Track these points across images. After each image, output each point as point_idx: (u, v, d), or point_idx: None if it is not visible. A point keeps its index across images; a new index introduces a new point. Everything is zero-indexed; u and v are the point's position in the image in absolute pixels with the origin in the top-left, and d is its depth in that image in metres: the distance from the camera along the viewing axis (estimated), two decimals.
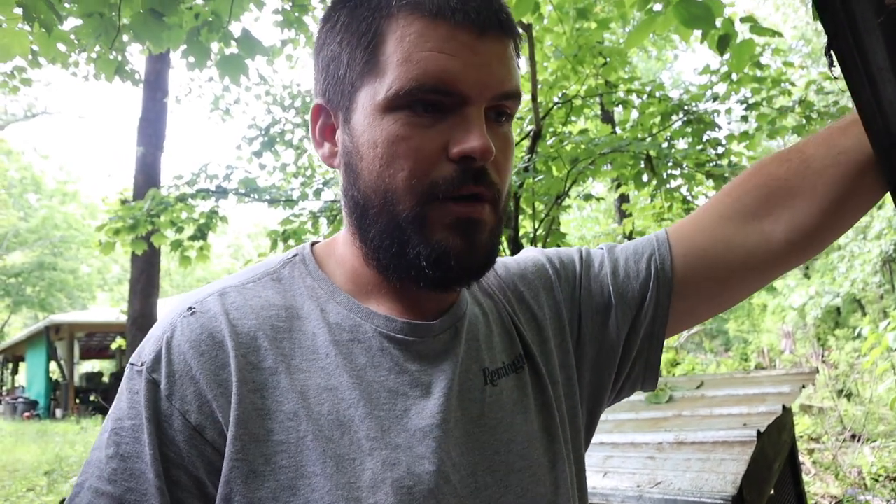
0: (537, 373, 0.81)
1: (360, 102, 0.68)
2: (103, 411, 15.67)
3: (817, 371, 3.96)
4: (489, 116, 0.68)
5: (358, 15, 0.69)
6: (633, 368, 0.88)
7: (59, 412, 16.35)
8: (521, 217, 4.46)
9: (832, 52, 0.57)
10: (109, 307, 21.06)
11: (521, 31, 0.70)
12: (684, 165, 4.52)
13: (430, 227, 0.67)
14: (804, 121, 4.48)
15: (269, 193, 5.27)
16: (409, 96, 0.65)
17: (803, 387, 2.77)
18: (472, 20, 0.65)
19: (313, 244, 0.81)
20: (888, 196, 0.77)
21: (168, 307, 0.73)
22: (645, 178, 4.52)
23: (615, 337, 0.86)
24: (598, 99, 5.33)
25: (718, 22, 2.53)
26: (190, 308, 0.69)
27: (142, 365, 0.66)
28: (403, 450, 0.66)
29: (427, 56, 0.64)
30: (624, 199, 9.31)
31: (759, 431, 1.98)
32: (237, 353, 0.66)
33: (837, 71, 0.60)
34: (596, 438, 2.14)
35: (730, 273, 0.83)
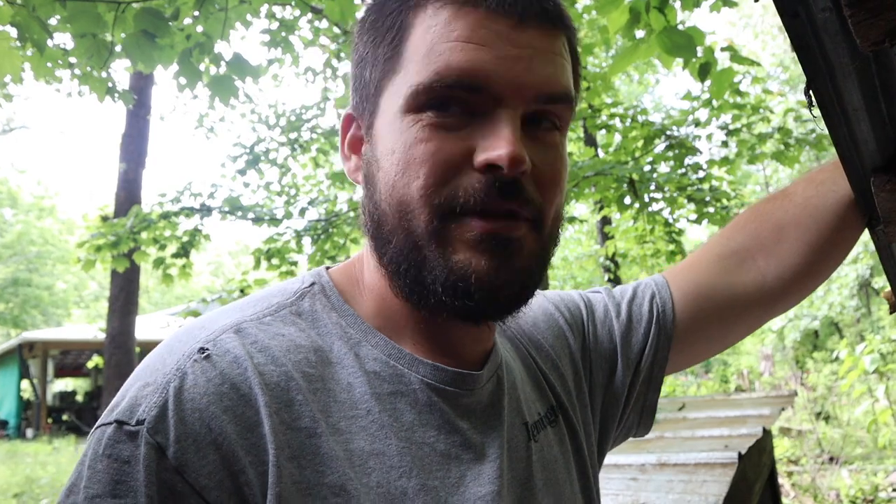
0: (572, 427, 0.74)
1: (383, 106, 0.59)
2: (76, 431, 15.30)
3: (796, 394, 4.01)
4: (529, 122, 0.58)
5: (386, 9, 0.60)
6: (630, 415, 0.83)
7: (30, 432, 15.93)
8: None
9: (811, 92, 0.59)
10: (86, 324, 20.70)
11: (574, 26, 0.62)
12: (666, 189, 4.60)
13: (450, 246, 0.56)
14: (783, 147, 4.59)
15: (254, 212, 5.27)
16: (429, 92, 0.55)
17: (783, 409, 2.81)
18: (509, 6, 0.55)
19: (327, 269, 0.69)
20: None
21: (166, 344, 0.57)
22: (627, 200, 4.60)
23: (620, 384, 0.80)
24: (581, 122, 5.41)
25: (700, 51, 2.60)
26: (202, 349, 0.54)
27: (137, 423, 0.50)
28: None
29: (451, 46, 0.55)
30: (606, 221, 9.39)
31: (740, 454, 2.00)
32: (270, 409, 0.52)
33: (816, 110, 0.63)
34: None
35: (732, 312, 0.81)
